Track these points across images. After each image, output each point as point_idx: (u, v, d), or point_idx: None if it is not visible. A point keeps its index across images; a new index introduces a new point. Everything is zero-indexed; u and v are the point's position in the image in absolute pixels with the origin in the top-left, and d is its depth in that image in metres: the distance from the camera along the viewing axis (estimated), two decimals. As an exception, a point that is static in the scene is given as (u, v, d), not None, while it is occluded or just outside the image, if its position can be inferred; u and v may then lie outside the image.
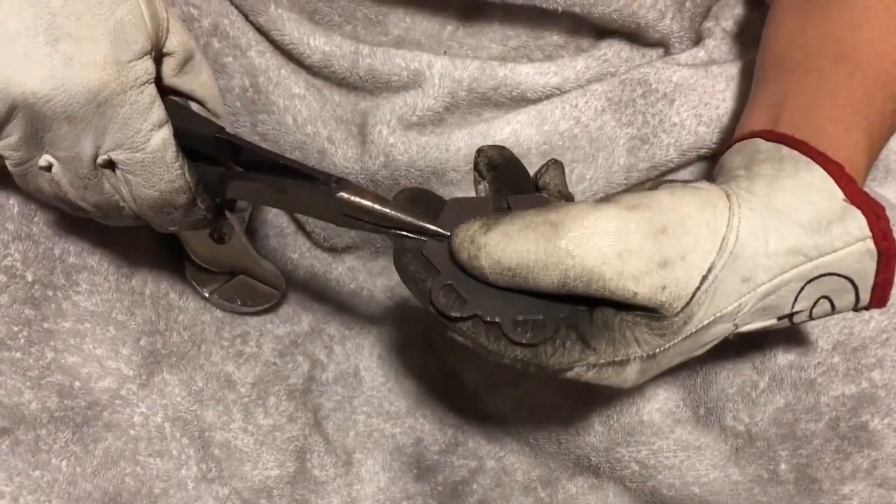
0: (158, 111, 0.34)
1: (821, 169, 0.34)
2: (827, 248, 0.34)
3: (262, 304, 0.50)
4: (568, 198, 0.38)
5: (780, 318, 0.35)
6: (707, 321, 0.33)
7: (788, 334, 0.42)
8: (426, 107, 0.47)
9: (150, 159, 0.34)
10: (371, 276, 0.55)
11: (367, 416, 0.52)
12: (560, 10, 0.44)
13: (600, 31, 0.48)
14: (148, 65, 0.33)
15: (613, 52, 0.49)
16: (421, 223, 0.35)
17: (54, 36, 0.31)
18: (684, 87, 0.47)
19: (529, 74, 0.47)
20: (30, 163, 0.34)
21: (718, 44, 0.50)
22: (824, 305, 0.35)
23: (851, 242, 0.34)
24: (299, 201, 0.38)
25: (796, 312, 0.35)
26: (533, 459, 0.50)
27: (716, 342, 0.35)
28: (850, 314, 0.41)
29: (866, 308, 0.36)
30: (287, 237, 0.54)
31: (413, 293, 0.35)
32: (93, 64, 0.31)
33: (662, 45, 0.50)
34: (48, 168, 0.35)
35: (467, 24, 0.46)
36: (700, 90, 0.47)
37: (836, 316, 0.40)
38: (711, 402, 0.44)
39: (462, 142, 0.46)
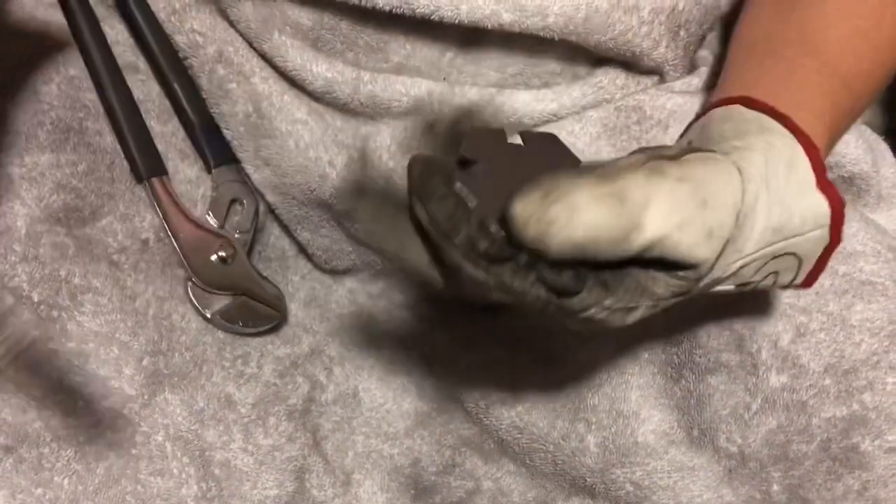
0: None
1: (802, 149, 0.36)
2: (797, 230, 0.36)
3: (262, 325, 0.51)
4: None
5: (737, 286, 0.37)
6: (707, 282, 0.35)
7: (781, 358, 0.43)
8: None
9: None
10: (371, 298, 0.55)
11: (366, 437, 0.52)
12: (556, 38, 0.45)
13: (596, 58, 0.49)
14: None
15: (609, 79, 0.49)
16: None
17: None
18: (678, 114, 0.48)
19: (527, 101, 0.48)
20: None
21: (712, 72, 0.50)
22: (769, 280, 0.37)
23: (814, 229, 0.36)
24: None
25: (749, 283, 0.37)
26: (529, 480, 0.51)
27: None
28: (842, 337, 0.42)
29: (798, 286, 0.38)
30: (288, 259, 0.55)
31: (437, 225, 0.32)
32: None
33: (657, 72, 0.51)
34: None
35: (466, 52, 0.47)
36: (693, 117, 0.47)
37: (827, 339, 0.42)
38: (705, 424, 0.44)
39: None
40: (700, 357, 0.44)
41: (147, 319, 0.47)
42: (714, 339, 0.44)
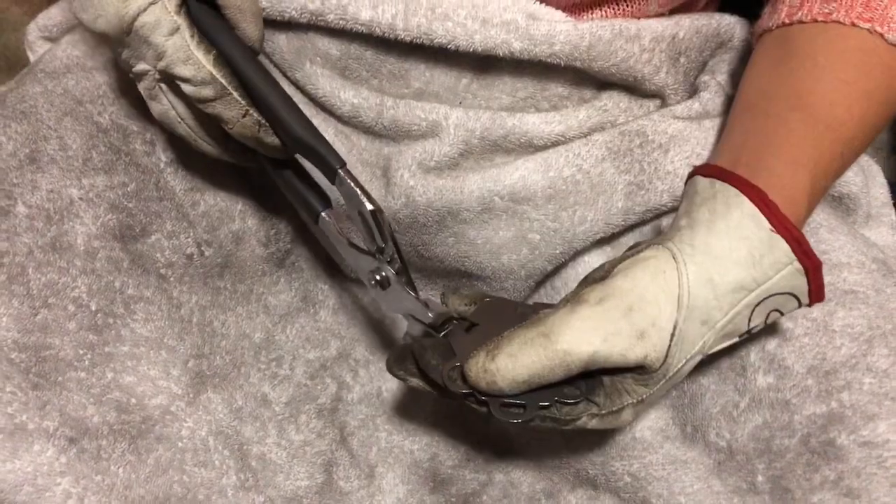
0: (167, 23, 0.40)
1: (748, 200, 0.39)
2: (763, 278, 0.39)
3: None
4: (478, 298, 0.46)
5: (740, 336, 0.41)
6: (680, 365, 0.39)
7: (768, 360, 0.44)
8: (443, 153, 0.50)
9: (173, 59, 0.41)
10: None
11: (389, 434, 0.54)
12: (563, 64, 0.47)
13: (601, 83, 0.51)
14: None
15: (613, 102, 0.51)
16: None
17: None
18: (678, 139, 0.49)
19: (536, 123, 0.50)
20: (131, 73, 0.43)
21: (713, 97, 0.52)
22: (774, 316, 0.40)
23: (781, 268, 0.39)
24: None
25: (753, 328, 0.40)
26: (537, 473, 0.52)
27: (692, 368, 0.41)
28: (824, 341, 0.43)
29: (808, 305, 0.41)
30: (320, 269, 0.57)
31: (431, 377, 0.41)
32: (111, 5, 0.40)
33: (659, 96, 0.52)
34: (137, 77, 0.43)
35: (480, 78, 0.49)
36: (693, 141, 0.49)
37: (810, 343, 0.44)
38: (697, 421, 0.46)
39: (475, 185, 0.49)
40: (694, 360, 0.46)
41: (191, 326, 0.49)
42: None
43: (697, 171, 0.43)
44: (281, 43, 0.52)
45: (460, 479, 0.53)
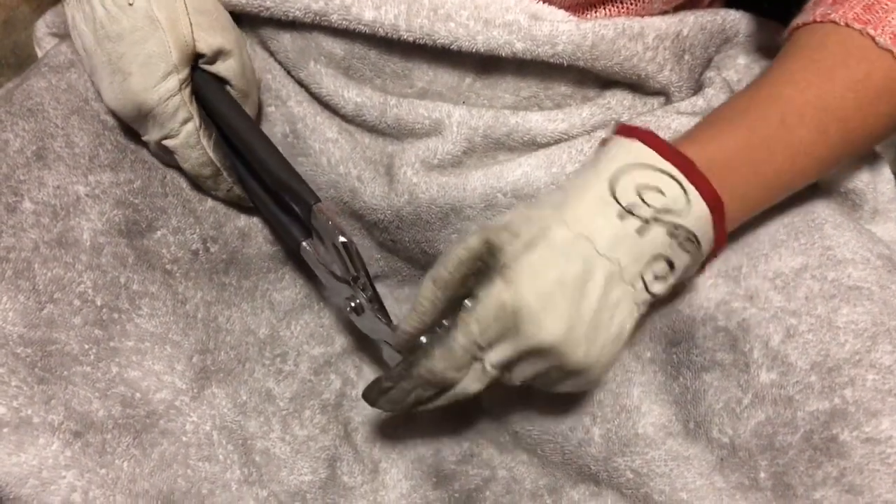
0: (182, 113, 0.47)
1: (638, 142, 0.42)
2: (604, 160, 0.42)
3: None
4: None
5: (623, 210, 0.40)
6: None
7: (771, 357, 0.44)
8: (446, 151, 0.50)
9: (180, 144, 0.48)
10: (398, 302, 0.58)
11: (392, 429, 0.55)
12: (566, 64, 0.47)
13: (605, 81, 0.51)
14: (171, 84, 0.46)
15: (617, 100, 0.51)
16: None
17: (112, 70, 0.46)
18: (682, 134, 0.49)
19: (539, 121, 0.50)
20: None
21: (717, 93, 0.52)
22: (652, 196, 0.41)
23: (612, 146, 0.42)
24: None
25: (630, 206, 0.40)
26: (540, 469, 0.52)
27: None
28: (827, 338, 0.43)
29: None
30: None
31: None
32: (132, 92, 0.45)
33: (663, 93, 0.53)
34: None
35: (483, 77, 0.50)
36: None
37: (814, 340, 0.43)
38: (700, 417, 0.46)
39: (478, 182, 0.50)
40: (697, 356, 0.46)
41: (196, 321, 0.50)
42: (710, 339, 0.45)
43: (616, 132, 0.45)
44: (286, 42, 0.52)
45: (463, 474, 0.53)
